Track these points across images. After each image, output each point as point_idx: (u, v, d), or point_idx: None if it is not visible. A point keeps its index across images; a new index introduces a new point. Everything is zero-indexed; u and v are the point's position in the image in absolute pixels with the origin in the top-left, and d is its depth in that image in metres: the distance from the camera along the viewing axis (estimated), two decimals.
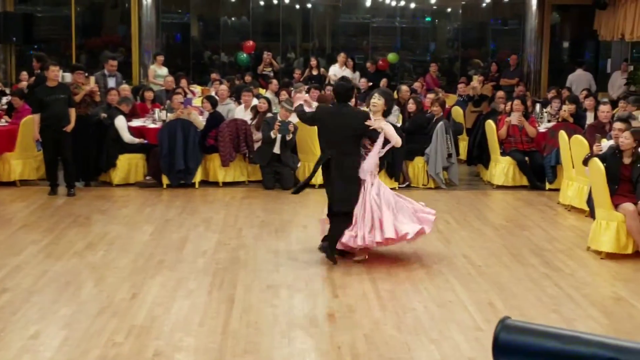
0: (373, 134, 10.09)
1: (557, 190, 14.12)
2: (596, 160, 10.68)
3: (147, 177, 15.00)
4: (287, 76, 24.14)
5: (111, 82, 17.50)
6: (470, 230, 11.93)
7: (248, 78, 21.24)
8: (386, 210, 9.97)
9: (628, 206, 10.38)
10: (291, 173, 14.89)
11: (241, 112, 15.99)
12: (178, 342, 7.31)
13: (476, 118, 17.19)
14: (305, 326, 7.83)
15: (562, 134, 13.63)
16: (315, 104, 11.17)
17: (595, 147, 11.42)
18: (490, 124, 15.43)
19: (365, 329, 7.70)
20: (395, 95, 18.48)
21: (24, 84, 17.77)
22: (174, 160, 14.48)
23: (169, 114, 15.42)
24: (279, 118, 14.74)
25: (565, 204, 13.50)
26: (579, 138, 12.82)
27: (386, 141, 10.03)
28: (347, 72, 21.98)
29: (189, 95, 18.50)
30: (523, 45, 25.03)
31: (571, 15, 27.47)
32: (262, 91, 19.16)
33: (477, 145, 16.26)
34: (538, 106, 17.63)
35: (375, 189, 10.08)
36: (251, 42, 25.28)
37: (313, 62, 22.96)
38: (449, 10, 28.68)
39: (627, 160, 10.65)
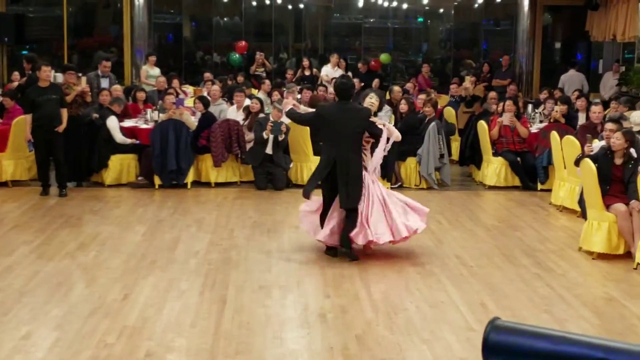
0: (375, 130, 10.29)
1: (549, 190, 14.14)
2: (588, 160, 10.69)
3: (139, 178, 14.99)
4: (279, 76, 24.14)
5: (104, 83, 17.48)
6: (462, 231, 11.94)
7: (240, 78, 21.23)
8: (394, 208, 10.23)
9: (619, 207, 10.40)
10: (283, 173, 14.89)
11: (233, 113, 15.99)
12: (170, 343, 7.30)
13: (468, 119, 17.20)
14: (297, 327, 7.83)
15: (554, 135, 13.64)
16: (303, 107, 11.15)
17: (586, 148, 11.43)
18: (482, 125, 15.45)
19: (357, 329, 7.70)
20: (387, 95, 18.55)
21: (15, 85, 17.74)
22: (166, 161, 14.47)
23: (161, 115, 15.41)
24: (271, 118, 14.74)
25: (557, 205, 13.52)
26: (570, 139, 12.83)
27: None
28: (339, 73, 21.96)
29: (181, 96, 18.50)
30: (515, 46, 25.05)
31: (563, 16, 27.51)
32: (254, 91, 19.15)
33: (469, 146, 16.26)
34: (530, 107, 17.65)
35: (378, 186, 10.34)
36: (243, 43, 25.27)
37: (305, 62, 22.96)
38: (442, 10, 28.70)
39: (618, 160, 10.67)
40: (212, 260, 10.12)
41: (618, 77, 21.93)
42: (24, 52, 23.24)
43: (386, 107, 16.17)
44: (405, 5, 27.77)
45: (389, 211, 10.21)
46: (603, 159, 10.72)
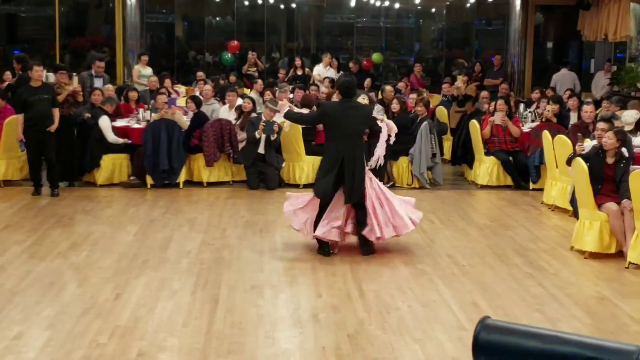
0: (376, 127, 10.79)
1: (541, 190, 14.16)
2: (579, 160, 10.71)
3: (131, 177, 14.98)
4: (271, 76, 24.12)
5: (98, 83, 17.45)
6: (455, 230, 11.95)
7: (232, 78, 21.22)
8: (396, 202, 10.56)
9: (611, 206, 10.42)
10: (275, 173, 14.89)
11: (225, 112, 15.98)
12: (162, 343, 7.30)
13: (460, 118, 17.22)
14: (289, 326, 7.83)
15: (546, 134, 13.66)
16: (296, 109, 11.20)
17: (578, 147, 11.43)
18: (474, 124, 15.46)
19: (349, 329, 7.71)
20: (379, 95, 18.58)
21: (5, 85, 17.71)
22: (158, 160, 14.46)
23: (153, 114, 15.40)
24: (263, 118, 14.73)
25: (549, 204, 13.54)
26: (562, 138, 12.85)
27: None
28: (331, 72, 22.02)
29: (173, 95, 18.49)
30: (507, 46, 25.08)
31: (555, 16, 27.54)
32: (246, 91, 19.14)
33: (461, 145, 16.28)
34: (522, 106, 17.67)
35: (376, 182, 10.65)
36: (236, 42, 25.27)
37: (297, 62, 22.97)
38: (434, 10, 28.73)
39: (610, 160, 10.69)
40: (204, 259, 10.12)
41: (610, 76, 21.96)
42: (16, 51, 23.21)
43: (378, 107, 16.20)
44: (397, 5, 27.79)
45: (391, 206, 10.45)
46: (595, 159, 10.73)
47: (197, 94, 17.41)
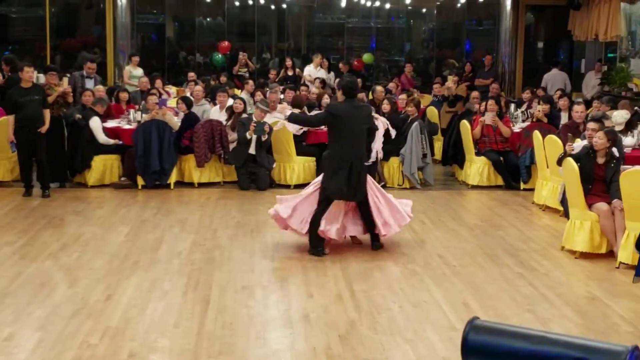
0: (374, 125, 11.13)
1: (532, 190, 14.18)
2: (570, 160, 10.73)
3: (122, 178, 14.96)
4: (262, 77, 24.12)
5: (89, 84, 17.42)
6: (445, 230, 11.97)
7: (223, 79, 21.22)
8: (390, 197, 10.88)
9: (602, 206, 10.44)
10: (266, 174, 14.89)
11: (216, 113, 15.97)
12: (153, 343, 7.30)
13: (451, 118, 17.23)
14: (280, 327, 7.84)
15: (537, 134, 13.68)
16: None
17: (568, 147, 11.46)
18: (465, 124, 15.48)
19: (340, 329, 7.71)
20: (370, 95, 18.58)
21: None
22: (149, 161, 14.46)
23: (143, 115, 15.38)
24: (254, 119, 14.72)
25: (539, 204, 13.56)
26: (553, 138, 12.87)
27: None
28: (321, 73, 22.05)
29: (164, 96, 18.47)
30: (498, 46, 25.10)
31: (545, 16, 27.57)
32: (237, 92, 19.14)
33: (452, 146, 16.30)
34: (513, 106, 17.69)
35: (371, 180, 10.89)
36: (226, 43, 25.27)
37: (288, 62, 22.99)
38: (424, 10, 28.75)
39: (600, 160, 10.71)
40: (195, 260, 10.12)
41: (600, 76, 22.01)
42: (6, 52, 23.16)
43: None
44: (387, 5, 27.80)
45: (388, 201, 10.74)
46: (585, 158, 10.76)
47: (188, 94, 17.40)
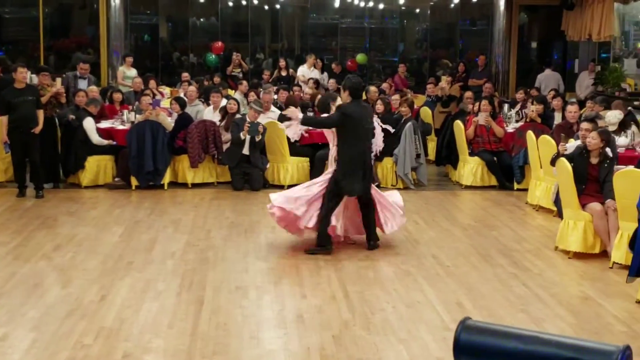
0: (372, 124, 11.37)
1: (525, 190, 14.20)
2: (563, 160, 10.74)
3: (116, 179, 14.96)
4: (256, 77, 24.10)
5: (82, 84, 17.40)
6: (439, 231, 11.98)
7: (217, 79, 21.21)
8: (386, 194, 11.20)
9: (595, 206, 10.45)
10: (260, 174, 14.88)
11: (210, 113, 15.98)
12: (147, 344, 7.30)
13: (445, 118, 17.24)
14: (274, 327, 7.84)
15: (530, 134, 13.70)
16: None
17: (560, 147, 11.48)
18: (458, 125, 15.49)
19: (334, 329, 7.72)
20: (363, 96, 18.57)
21: None
22: (143, 162, 14.45)
23: (137, 115, 15.38)
24: (248, 119, 14.72)
25: (533, 204, 13.57)
26: (546, 138, 12.88)
27: None
28: (315, 73, 22.04)
29: (158, 97, 18.48)
30: (491, 46, 25.10)
31: (539, 16, 27.60)
32: (231, 92, 19.14)
33: (446, 146, 16.31)
34: (506, 106, 17.70)
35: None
36: (220, 43, 25.27)
37: (282, 63, 23.00)
38: (418, 10, 28.76)
39: (594, 160, 10.73)
40: (189, 261, 10.12)
41: (594, 76, 22.06)
42: (0, 53, 23.14)
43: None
44: (381, 6, 27.81)
45: (384, 199, 10.97)
46: (579, 159, 10.77)
47: (182, 95, 17.39)
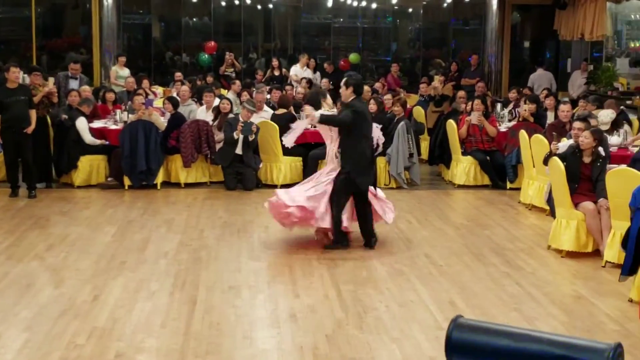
0: None
1: (518, 189, 14.21)
2: (556, 159, 10.76)
3: (109, 179, 14.95)
4: (249, 77, 24.06)
5: (73, 84, 17.38)
6: (432, 230, 11.98)
7: (210, 79, 21.19)
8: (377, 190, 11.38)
9: (588, 205, 10.47)
10: (253, 174, 14.87)
11: (203, 113, 15.97)
12: (140, 344, 7.29)
13: (437, 118, 17.24)
14: (267, 327, 7.84)
15: (523, 134, 13.71)
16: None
17: (552, 147, 11.50)
18: (451, 124, 15.50)
19: (327, 329, 7.72)
20: None
21: None
22: (136, 162, 14.44)
23: (130, 115, 15.37)
24: (241, 119, 14.71)
25: (526, 203, 13.58)
26: (539, 137, 12.90)
27: None
28: (308, 73, 22.03)
29: (150, 96, 18.46)
30: (484, 45, 25.11)
31: (531, 15, 27.63)
32: (224, 92, 19.12)
33: (439, 145, 16.31)
34: (499, 106, 17.71)
35: None
36: (213, 43, 25.26)
37: (275, 62, 23.00)
38: (410, 10, 28.77)
39: (587, 159, 10.74)
40: (182, 260, 10.11)
41: (586, 75, 22.08)
42: None
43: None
44: (374, 5, 27.83)
45: (375, 192, 11.14)
46: (571, 158, 10.78)
47: (175, 94, 17.37)
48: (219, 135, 14.97)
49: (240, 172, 14.79)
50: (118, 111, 16.10)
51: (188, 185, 14.98)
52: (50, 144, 14.82)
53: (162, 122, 15.05)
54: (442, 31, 28.71)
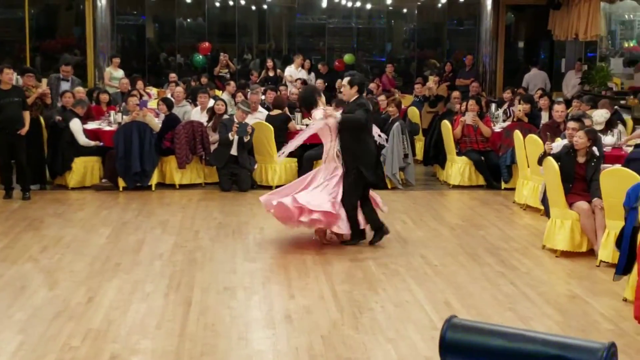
0: None
1: (513, 189, 14.22)
2: (551, 159, 10.77)
3: (103, 180, 14.93)
4: (243, 77, 24.04)
5: (65, 86, 17.33)
6: (427, 230, 11.98)
7: (204, 80, 21.16)
8: None
9: (582, 205, 10.48)
10: (248, 175, 14.86)
11: (197, 114, 15.95)
12: (135, 345, 7.29)
13: (432, 118, 17.25)
14: (262, 328, 7.84)
15: (517, 134, 13.72)
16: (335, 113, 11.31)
17: (546, 146, 11.52)
18: (446, 124, 15.50)
19: (322, 329, 7.72)
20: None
21: None
22: (130, 163, 14.43)
23: (124, 116, 15.35)
24: (235, 120, 14.70)
25: (520, 203, 13.59)
26: (533, 137, 12.91)
27: None
28: (302, 73, 22.04)
29: (145, 97, 18.43)
30: (478, 46, 25.14)
31: (526, 16, 27.64)
32: (218, 93, 19.11)
33: (433, 146, 16.32)
34: (493, 106, 17.72)
35: None
36: (207, 44, 25.23)
37: (269, 63, 23.00)
38: (405, 11, 28.76)
39: (581, 159, 10.75)
40: (177, 262, 10.10)
41: (580, 75, 22.10)
42: None
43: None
44: (368, 6, 27.82)
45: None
46: (566, 158, 10.80)
47: (169, 95, 17.34)
48: (214, 137, 14.96)
49: (235, 173, 14.78)
50: (112, 112, 16.09)
51: (183, 187, 14.96)
52: (44, 146, 14.80)
53: (156, 123, 15.04)
54: (436, 32, 28.72)
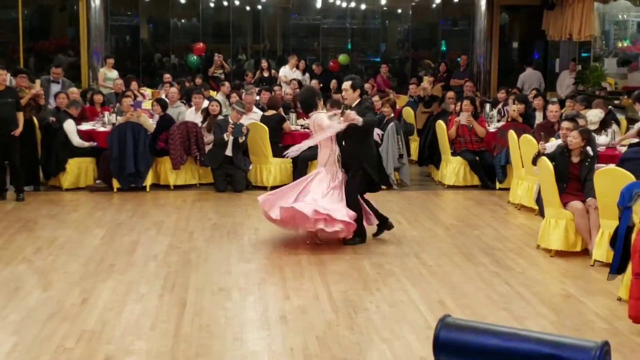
0: None
1: (507, 189, 14.23)
2: (545, 159, 10.78)
3: (98, 181, 14.91)
4: (238, 78, 24.07)
5: (55, 88, 17.24)
6: (422, 230, 11.98)
7: (198, 80, 21.14)
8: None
9: (576, 204, 10.48)
10: (243, 175, 14.85)
11: (192, 115, 15.93)
12: (129, 346, 7.28)
13: (427, 118, 17.25)
14: (257, 328, 7.83)
15: (512, 134, 13.73)
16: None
17: (540, 146, 11.53)
18: (440, 125, 15.51)
19: (317, 330, 7.72)
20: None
21: None
22: (125, 164, 14.41)
23: (118, 117, 15.33)
24: (230, 120, 14.69)
25: (515, 203, 13.60)
26: (528, 137, 12.92)
27: None
28: (297, 74, 22.04)
29: (139, 98, 18.42)
30: (473, 46, 25.16)
31: (520, 16, 27.67)
32: (213, 93, 19.11)
33: (428, 146, 16.32)
34: (488, 106, 17.72)
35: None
36: (201, 44, 25.23)
37: (264, 63, 23.00)
38: (399, 11, 28.80)
39: (575, 159, 10.76)
40: (171, 263, 10.09)
41: (574, 75, 22.12)
42: None
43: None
44: (363, 6, 27.85)
45: None
46: (560, 158, 10.80)
47: (163, 96, 17.33)
48: (208, 137, 14.95)
49: (230, 174, 14.77)
50: (106, 113, 16.06)
51: (177, 188, 14.95)
52: (38, 147, 14.77)
53: (150, 124, 15.02)
54: (431, 32, 28.76)
